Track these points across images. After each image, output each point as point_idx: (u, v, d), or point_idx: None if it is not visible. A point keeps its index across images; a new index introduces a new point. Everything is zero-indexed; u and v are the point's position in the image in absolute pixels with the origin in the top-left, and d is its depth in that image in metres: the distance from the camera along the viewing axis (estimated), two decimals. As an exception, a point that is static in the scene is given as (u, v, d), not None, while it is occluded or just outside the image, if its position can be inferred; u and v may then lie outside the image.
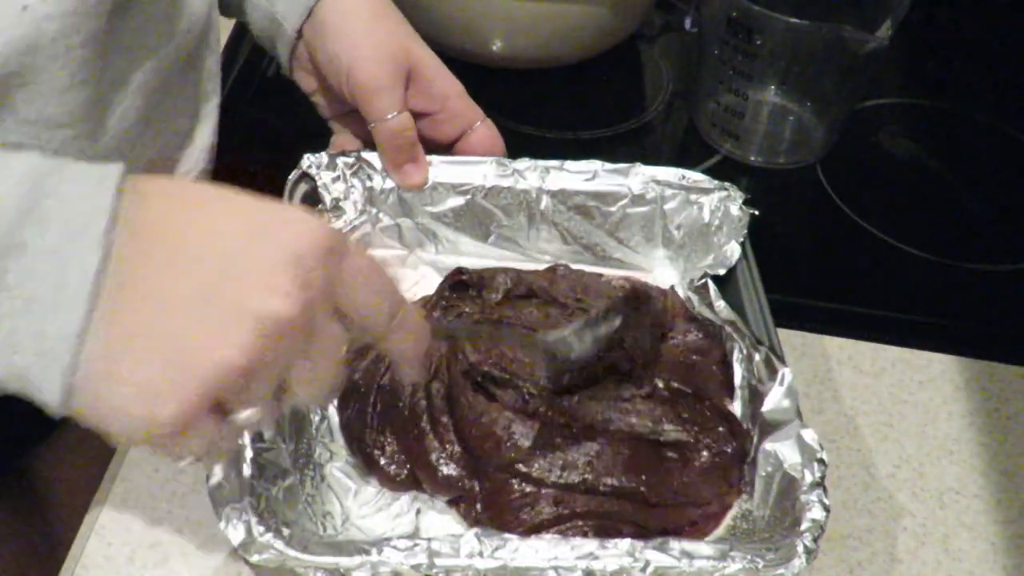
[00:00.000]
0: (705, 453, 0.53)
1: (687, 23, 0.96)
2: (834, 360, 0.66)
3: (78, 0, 0.48)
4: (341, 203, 0.64)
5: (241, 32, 0.90)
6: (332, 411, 0.57)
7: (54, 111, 0.51)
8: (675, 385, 0.56)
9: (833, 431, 0.62)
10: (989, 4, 1.03)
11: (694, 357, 0.58)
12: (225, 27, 0.82)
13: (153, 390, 0.36)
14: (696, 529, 0.52)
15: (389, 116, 0.62)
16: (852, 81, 0.80)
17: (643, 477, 0.53)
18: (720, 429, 0.54)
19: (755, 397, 0.54)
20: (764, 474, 0.51)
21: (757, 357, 0.54)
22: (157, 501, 0.55)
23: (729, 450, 0.54)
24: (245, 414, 0.38)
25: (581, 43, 0.86)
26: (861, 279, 0.74)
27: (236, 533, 0.45)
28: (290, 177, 0.64)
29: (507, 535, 0.46)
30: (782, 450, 0.50)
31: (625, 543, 0.45)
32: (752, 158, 0.83)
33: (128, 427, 0.37)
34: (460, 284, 0.62)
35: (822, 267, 0.76)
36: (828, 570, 0.55)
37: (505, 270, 0.64)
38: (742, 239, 0.61)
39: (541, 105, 0.85)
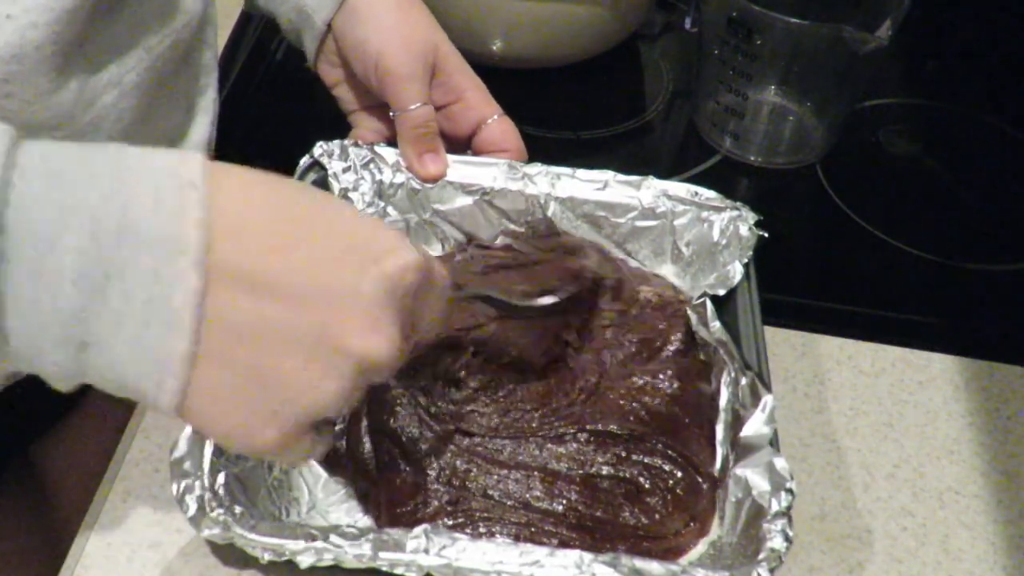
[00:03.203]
0: (653, 490, 0.53)
1: (687, 23, 0.96)
2: (834, 360, 0.66)
3: (62, 8, 0.48)
4: (349, 194, 0.64)
5: (245, 22, 0.90)
6: None
7: (41, 116, 0.51)
8: (614, 429, 0.55)
9: (833, 431, 0.62)
10: (989, 4, 1.03)
11: (677, 383, 0.58)
12: (229, 17, 0.82)
13: (258, 419, 0.37)
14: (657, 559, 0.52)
15: (413, 107, 0.63)
16: (852, 81, 0.80)
17: (569, 500, 0.52)
18: (667, 468, 0.54)
19: (737, 421, 0.53)
20: (734, 500, 0.51)
21: (744, 381, 0.54)
22: (157, 501, 0.55)
23: (680, 491, 0.53)
24: (334, 427, 0.41)
25: (581, 43, 0.86)
26: (861, 279, 0.74)
27: (189, 506, 0.46)
28: (301, 162, 0.64)
29: (457, 535, 0.46)
30: (752, 477, 0.49)
31: (574, 554, 0.45)
32: (752, 158, 0.83)
33: (232, 445, 0.40)
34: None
35: (822, 267, 0.76)
36: (828, 570, 0.55)
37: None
38: (746, 260, 0.60)
39: (541, 105, 0.85)
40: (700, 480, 0.54)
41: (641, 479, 0.53)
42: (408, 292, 0.39)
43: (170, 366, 0.35)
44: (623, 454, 0.54)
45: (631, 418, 0.55)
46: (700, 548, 0.52)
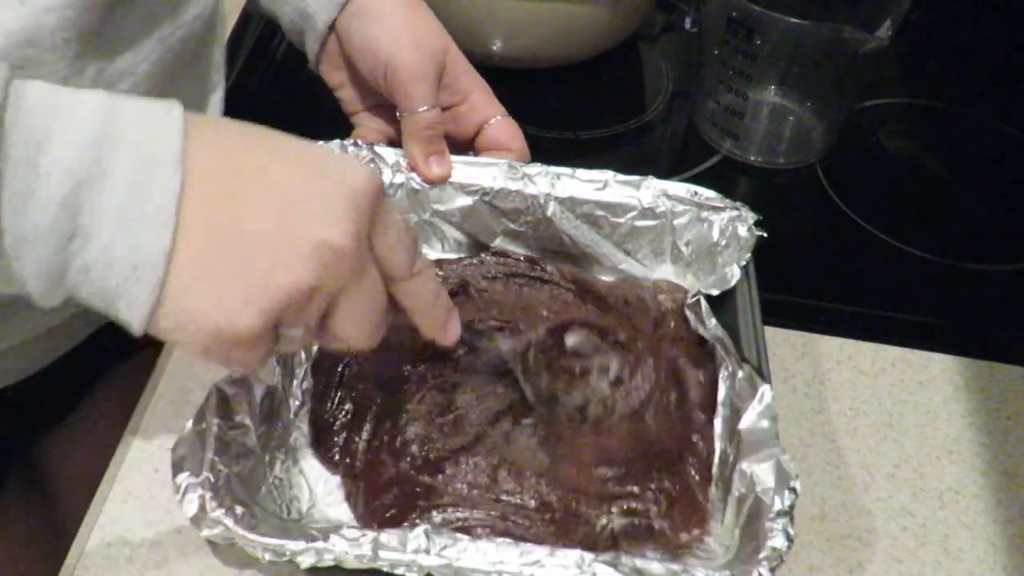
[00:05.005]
0: (653, 508, 0.53)
1: (687, 23, 0.96)
2: (834, 360, 0.66)
3: None
4: None
5: (246, 22, 0.90)
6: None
7: None
8: (606, 473, 0.55)
9: (833, 431, 0.62)
10: (989, 4, 1.03)
11: (679, 373, 0.58)
12: (230, 17, 0.82)
13: (232, 307, 0.40)
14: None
15: (422, 108, 0.63)
16: (852, 81, 0.80)
17: (557, 508, 0.53)
18: (653, 486, 0.53)
19: (735, 415, 0.53)
20: (737, 495, 0.50)
21: (741, 374, 0.54)
22: (157, 501, 0.55)
23: (673, 507, 0.53)
24: (292, 333, 0.43)
25: (581, 43, 0.86)
26: (861, 279, 0.74)
27: (190, 507, 0.46)
28: None
29: (458, 535, 0.46)
30: (758, 473, 0.49)
31: (575, 554, 0.45)
32: (752, 158, 0.83)
33: (205, 340, 0.41)
34: None
35: (822, 267, 0.76)
36: (828, 570, 0.55)
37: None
38: (744, 262, 0.60)
39: (541, 105, 0.85)
40: (696, 495, 0.53)
41: (633, 502, 0.53)
42: (362, 201, 0.42)
43: (151, 258, 0.39)
44: (613, 487, 0.54)
45: (622, 454, 0.55)
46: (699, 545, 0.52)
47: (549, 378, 0.57)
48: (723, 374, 0.56)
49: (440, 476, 0.53)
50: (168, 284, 0.39)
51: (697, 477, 0.54)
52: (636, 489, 0.53)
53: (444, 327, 0.50)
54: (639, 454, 0.55)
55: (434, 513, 0.52)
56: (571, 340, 0.58)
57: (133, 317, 0.40)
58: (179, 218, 0.39)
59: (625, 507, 0.53)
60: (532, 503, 0.52)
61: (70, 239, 0.38)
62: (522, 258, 0.65)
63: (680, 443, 0.55)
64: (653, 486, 0.53)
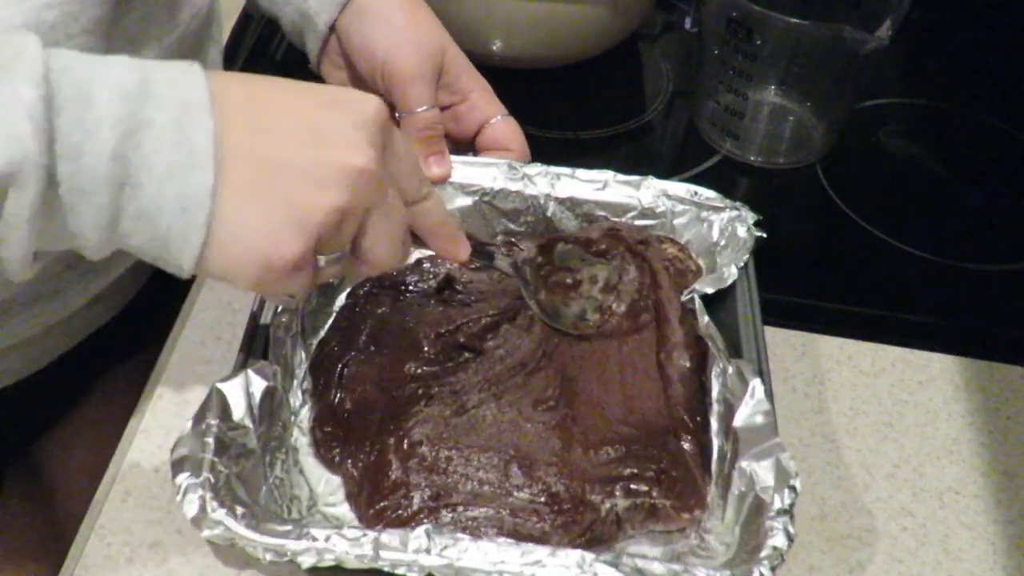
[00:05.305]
0: (655, 489, 0.53)
1: (687, 23, 0.96)
2: (834, 360, 0.66)
3: None
4: None
5: (246, 22, 0.90)
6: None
7: None
8: (610, 452, 0.55)
9: (833, 431, 0.62)
10: (989, 4, 1.03)
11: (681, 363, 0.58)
12: (229, 17, 0.82)
13: (277, 235, 0.43)
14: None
15: (420, 109, 0.63)
16: (852, 81, 0.80)
17: (557, 493, 0.53)
18: (653, 466, 0.54)
19: (728, 411, 0.53)
20: (737, 492, 0.50)
21: (731, 370, 0.54)
22: (157, 501, 0.55)
23: (669, 495, 0.53)
24: (329, 259, 0.46)
25: (581, 43, 0.86)
26: (861, 279, 0.74)
27: (190, 507, 0.46)
28: None
29: (459, 535, 0.46)
30: (758, 471, 0.49)
31: (576, 554, 0.45)
32: (752, 158, 0.83)
33: (255, 271, 0.43)
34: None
35: (822, 267, 0.76)
36: (828, 570, 0.55)
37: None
38: (742, 263, 0.60)
39: (541, 105, 0.85)
40: (693, 476, 0.54)
41: (634, 483, 0.53)
42: (376, 127, 0.45)
43: (197, 197, 0.41)
44: (612, 470, 0.54)
45: (621, 430, 0.55)
46: (694, 540, 0.52)
47: (547, 293, 0.61)
48: (715, 371, 0.56)
49: (448, 475, 0.53)
50: (215, 221, 0.42)
51: (689, 450, 0.54)
52: (636, 470, 0.53)
53: (456, 244, 0.53)
54: (633, 429, 0.55)
55: (443, 512, 0.52)
56: (558, 254, 0.62)
57: (184, 258, 0.42)
58: (219, 157, 0.41)
59: (628, 488, 0.53)
60: (542, 497, 0.52)
61: (121, 188, 0.40)
62: (499, 244, 0.65)
63: (666, 413, 0.56)
64: (652, 466, 0.53)
